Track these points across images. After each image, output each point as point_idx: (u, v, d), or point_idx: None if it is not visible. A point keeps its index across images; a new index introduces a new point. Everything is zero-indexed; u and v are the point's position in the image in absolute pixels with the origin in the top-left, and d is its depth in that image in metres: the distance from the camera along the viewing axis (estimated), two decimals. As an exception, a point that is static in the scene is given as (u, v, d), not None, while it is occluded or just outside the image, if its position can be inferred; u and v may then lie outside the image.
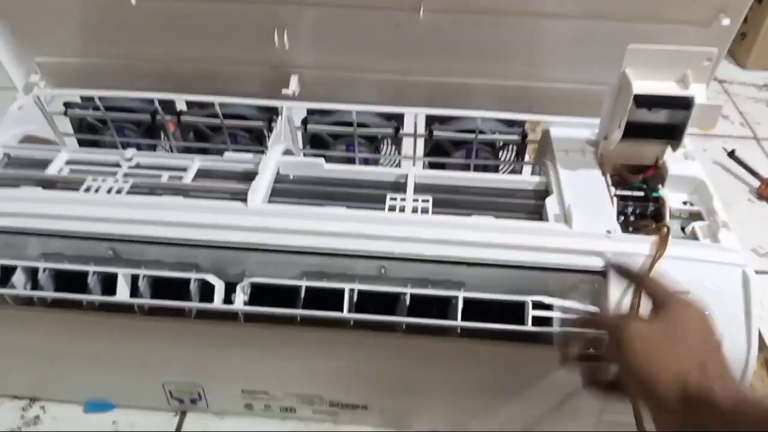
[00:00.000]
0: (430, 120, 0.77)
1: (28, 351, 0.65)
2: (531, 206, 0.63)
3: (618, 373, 0.47)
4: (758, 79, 1.42)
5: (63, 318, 0.60)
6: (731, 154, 1.11)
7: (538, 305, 0.53)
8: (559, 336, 0.54)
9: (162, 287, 0.58)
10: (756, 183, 1.07)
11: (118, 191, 0.61)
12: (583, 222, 0.57)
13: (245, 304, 0.56)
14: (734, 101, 1.34)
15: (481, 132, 0.74)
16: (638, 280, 0.50)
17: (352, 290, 0.55)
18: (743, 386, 0.40)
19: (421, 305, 0.56)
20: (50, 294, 0.57)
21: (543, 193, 0.64)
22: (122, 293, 0.56)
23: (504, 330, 0.53)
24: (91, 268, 0.57)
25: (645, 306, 0.49)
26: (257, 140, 0.80)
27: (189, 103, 0.80)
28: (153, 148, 0.82)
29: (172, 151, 0.82)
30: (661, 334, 0.41)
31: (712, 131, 1.17)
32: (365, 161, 0.80)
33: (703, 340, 0.42)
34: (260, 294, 0.56)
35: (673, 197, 0.63)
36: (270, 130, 0.76)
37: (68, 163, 0.66)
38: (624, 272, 0.52)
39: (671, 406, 0.38)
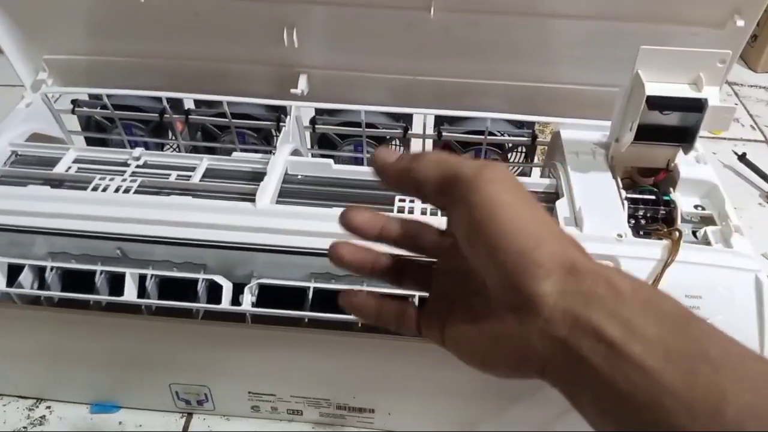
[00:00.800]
0: (439, 121, 0.76)
1: (34, 351, 0.65)
2: (541, 209, 0.63)
3: (466, 251, 0.30)
4: (769, 82, 1.41)
5: (70, 318, 0.59)
6: (742, 158, 1.10)
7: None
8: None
9: (169, 287, 0.57)
10: (767, 187, 1.06)
11: (126, 190, 0.60)
12: (594, 225, 0.56)
13: (253, 305, 0.55)
14: (744, 104, 1.33)
15: (490, 133, 0.73)
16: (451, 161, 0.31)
17: (360, 292, 0.55)
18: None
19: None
20: (57, 293, 0.57)
21: (553, 196, 0.63)
22: (130, 293, 0.56)
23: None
24: (98, 268, 0.57)
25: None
26: (265, 140, 0.80)
27: (197, 102, 0.80)
28: (161, 147, 0.82)
29: (180, 150, 0.81)
30: (526, 191, 0.29)
31: (722, 134, 1.17)
32: (373, 162, 0.79)
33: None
34: (268, 295, 0.56)
35: (684, 201, 0.62)
36: (278, 129, 0.76)
37: (76, 161, 0.66)
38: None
39: (551, 287, 0.26)
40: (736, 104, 1.32)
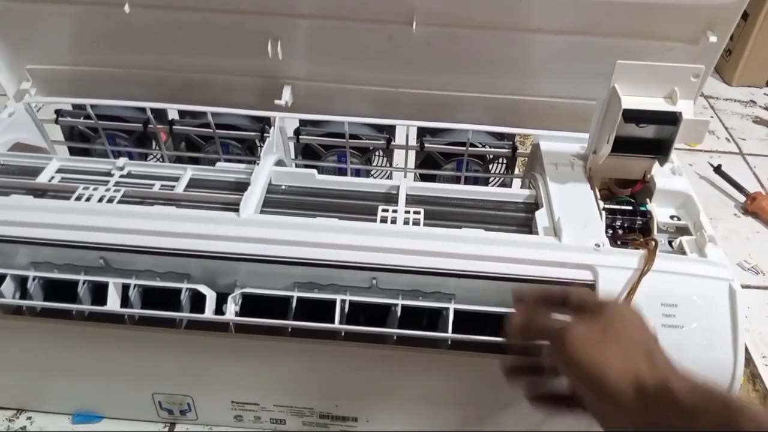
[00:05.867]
0: (422, 132, 0.77)
1: (15, 361, 0.65)
2: (521, 219, 0.64)
3: (567, 383, 0.44)
4: (743, 96, 1.45)
5: (52, 328, 0.59)
6: (717, 169, 1.12)
7: (528, 317, 0.54)
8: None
9: (153, 297, 0.58)
10: (741, 198, 1.09)
11: (110, 200, 0.61)
12: (572, 235, 0.58)
13: (236, 314, 0.56)
14: (720, 117, 1.36)
15: (471, 145, 0.74)
16: (563, 294, 0.47)
17: (343, 301, 0.55)
18: (693, 373, 0.38)
19: (412, 317, 0.56)
20: (39, 303, 0.57)
21: (532, 206, 0.64)
22: (113, 303, 0.56)
23: (493, 342, 0.54)
24: (81, 278, 0.57)
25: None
26: (249, 150, 0.80)
27: (181, 113, 0.80)
28: (144, 157, 0.82)
29: (163, 160, 0.82)
30: (601, 332, 0.41)
31: (698, 146, 1.20)
32: (357, 172, 0.80)
33: (642, 336, 0.42)
34: (251, 305, 0.56)
35: (660, 211, 0.64)
36: (262, 140, 0.76)
37: (59, 171, 0.66)
38: (544, 296, 0.48)
39: (627, 403, 0.38)
40: (711, 117, 1.35)
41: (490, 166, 0.79)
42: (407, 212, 0.61)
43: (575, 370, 0.41)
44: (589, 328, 0.42)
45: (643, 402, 0.37)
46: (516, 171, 0.80)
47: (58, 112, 0.79)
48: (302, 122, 0.78)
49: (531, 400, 0.49)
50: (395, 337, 0.56)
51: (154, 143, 0.82)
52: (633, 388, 0.37)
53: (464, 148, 0.75)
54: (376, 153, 0.80)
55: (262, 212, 0.61)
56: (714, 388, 0.36)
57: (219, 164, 0.68)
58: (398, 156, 0.81)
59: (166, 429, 0.69)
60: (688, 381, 0.37)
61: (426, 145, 0.76)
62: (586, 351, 0.40)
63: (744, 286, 0.56)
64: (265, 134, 0.75)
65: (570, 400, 0.46)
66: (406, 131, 0.76)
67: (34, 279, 0.57)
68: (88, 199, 0.61)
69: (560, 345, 0.41)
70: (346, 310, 0.55)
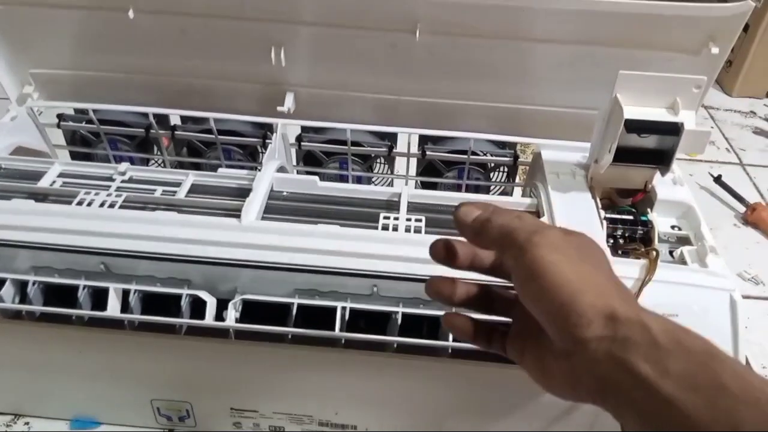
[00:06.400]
0: (423, 140, 0.77)
1: (14, 365, 0.65)
2: (522, 228, 0.64)
3: (519, 308, 0.36)
4: (744, 107, 1.45)
5: (51, 332, 0.59)
6: (717, 180, 1.12)
7: (529, 326, 0.53)
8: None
9: (153, 302, 0.57)
10: (741, 208, 1.09)
11: (111, 205, 0.61)
12: (573, 244, 0.57)
13: (236, 321, 0.56)
14: (720, 128, 1.37)
15: (473, 153, 0.75)
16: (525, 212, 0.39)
17: (344, 308, 0.55)
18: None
19: (413, 324, 0.56)
20: (39, 308, 0.57)
21: (534, 215, 0.64)
22: (113, 308, 0.56)
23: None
24: (81, 282, 0.56)
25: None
26: (251, 157, 0.80)
27: (183, 118, 0.80)
28: (146, 162, 0.82)
29: (165, 165, 0.82)
30: (578, 251, 0.34)
31: (698, 156, 1.20)
32: (358, 179, 0.80)
33: (613, 272, 0.35)
34: (252, 311, 0.56)
35: (661, 221, 0.64)
36: (264, 146, 0.76)
37: (61, 175, 0.66)
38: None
39: (592, 335, 0.31)
40: (711, 128, 1.36)
41: (492, 175, 0.79)
42: (408, 220, 0.61)
43: (539, 284, 0.32)
44: (566, 240, 0.34)
45: (612, 335, 0.30)
46: (517, 179, 0.80)
47: (60, 116, 0.79)
48: (304, 129, 0.78)
49: (457, 328, 0.41)
50: (396, 345, 0.56)
51: (155, 148, 0.82)
52: (604, 318, 0.31)
53: (466, 157, 0.75)
54: (378, 160, 0.80)
55: (263, 218, 0.61)
56: (695, 333, 0.30)
57: (221, 170, 0.68)
58: (400, 163, 0.81)
59: (165, 435, 0.69)
60: (665, 322, 0.31)
61: (428, 152, 0.76)
62: (560, 263, 0.32)
63: (744, 297, 0.56)
64: (267, 140, 0.75)
65: (504, 334, 0.39)
66: (407, 139, 0.76)
67: (34, 283, 0.57)
68: (89, 204, 0.60)
69: (527, 248, 0.33)
70: (347, 317, 0.55)
